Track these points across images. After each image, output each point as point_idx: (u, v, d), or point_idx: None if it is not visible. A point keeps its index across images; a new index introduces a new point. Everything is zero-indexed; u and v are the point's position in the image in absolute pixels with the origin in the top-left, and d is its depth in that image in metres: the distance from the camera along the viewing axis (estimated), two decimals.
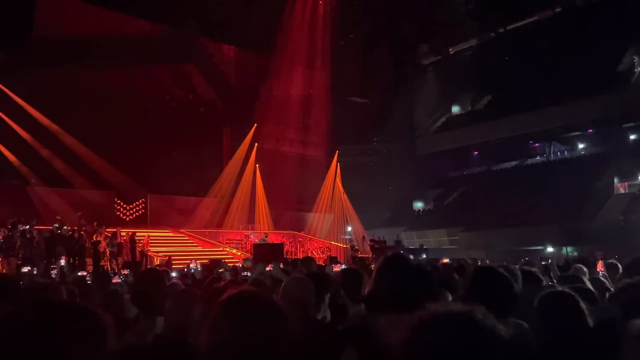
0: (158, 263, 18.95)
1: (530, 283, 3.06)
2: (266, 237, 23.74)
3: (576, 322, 2.26)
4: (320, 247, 25.87)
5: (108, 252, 17.80)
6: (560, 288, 2.66)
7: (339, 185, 31.11)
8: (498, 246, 24.84)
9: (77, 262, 16.85)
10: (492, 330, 1.12)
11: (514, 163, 33.35)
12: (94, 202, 21.65)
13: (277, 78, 27.09)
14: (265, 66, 26.20)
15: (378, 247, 24.54)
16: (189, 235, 23.96)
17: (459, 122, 31.96)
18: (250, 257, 19.17)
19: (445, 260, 14.63)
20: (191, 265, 11.35)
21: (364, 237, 28.13)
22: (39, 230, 17.38)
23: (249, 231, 26.07)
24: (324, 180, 31.31)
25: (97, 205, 21.53)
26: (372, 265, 15.52)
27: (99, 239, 17.64)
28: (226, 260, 17.92)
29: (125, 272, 12.93)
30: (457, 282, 3.92)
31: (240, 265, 15.11)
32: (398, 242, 27.59)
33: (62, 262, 15.27)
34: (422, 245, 27.05)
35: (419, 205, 34.93)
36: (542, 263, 8.09)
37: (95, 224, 18.80)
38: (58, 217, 18.58)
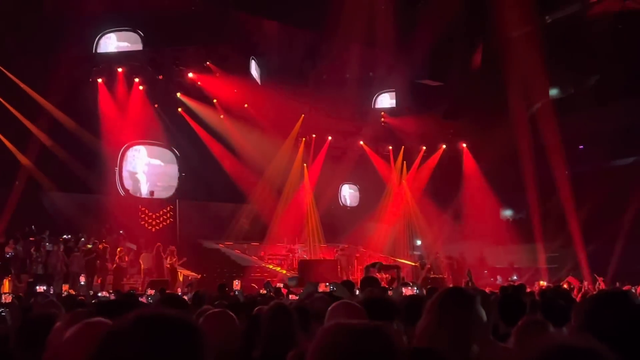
0: (190, 280, 19.54)
1: None
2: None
3: None
4: None
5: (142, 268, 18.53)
6: None
7: (405, 188, 30.92)
8: (616, 266, 23.92)
9: (97, 280, 17.65)
10: None
11: (631, 159, 31.97)
12: (115, 209, 22.56)
13: (328, 58, 27.26)
14: (314, 45, 26.45)
15: (456, 266, 24.23)
16: (225, 249, 24.55)
17: (558, 108, 31.00)
18: (297, 276, 19.44)
19: (542, 284, 14.31)
20: (234, 287, 11.65)
21: (437, 254, 27.79)
22: (61, 241, 18.30)
23: (296, 245, 26.40)
24: (387, 182, 31.21)
25: (119, 213, 22.40)
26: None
27: (122, 253, 18.39)
28: (271, 280, 18.28)
29: (152, 292, 13.42)
30: (565, 310, 3.87)
31: (282, 286, 15.37)
32: (481, 260, 27.09)
33: (82, 281, 16.02)
34: (511, 263, 26.47)
35: (507, 213, 34.14)
36: None
37: (121, 232, 19.65)
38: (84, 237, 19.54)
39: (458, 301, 2.50)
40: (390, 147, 31.81)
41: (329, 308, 3.28)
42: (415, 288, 8.27)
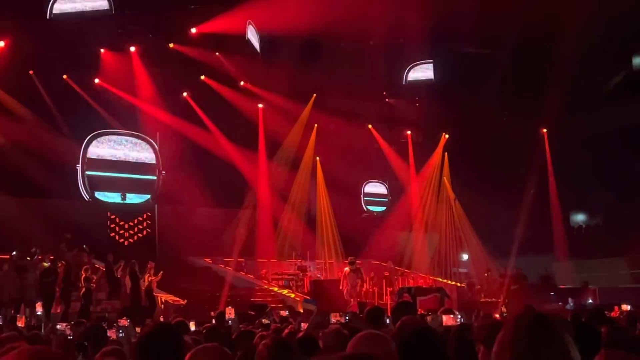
0: (172, 311, 19.71)
1: None
2: None
3: None
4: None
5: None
6: None
7: (447, 187, 30.92)
8: None
9: (56, 308, 17.85)
10: None
11: None
12: (78, 217, 22.77)
13: (347, 21, 27.27)
14: (329, 3, 26.50)
15: (514, 286, 24.16)
16: (217, 267, 24.69)
17: None
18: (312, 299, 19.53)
19: (625, 308, 14.28)
20: (227, 316, 11.80)
21: (489, 271, 27.77)
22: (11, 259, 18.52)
23: (307, 261, 26.51)
24: (423, 180, 31.21)
25: (82, 223, 22.61)
26: (502, 312, 15.09)
27: (88, 273, 18.56)
28: (274, 307, 18.41)
29: (125, 322, 13.61)
30: None
31: (287, 314, 15.49)
32: (546, 278, 27.01)
33: (39, 310, 16.22)
34: (585, 283, 26.39)
35: (579, 218, 34.02)
36: None
37: (85, 247, 19.80)
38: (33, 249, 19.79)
39: (545, 336, 2.34)
40: (427, 134, 31.85)
41: (352, 340, 3.38)
42: (460, 316, 8.31)
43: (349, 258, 24.14)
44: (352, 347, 3.32)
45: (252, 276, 25.04)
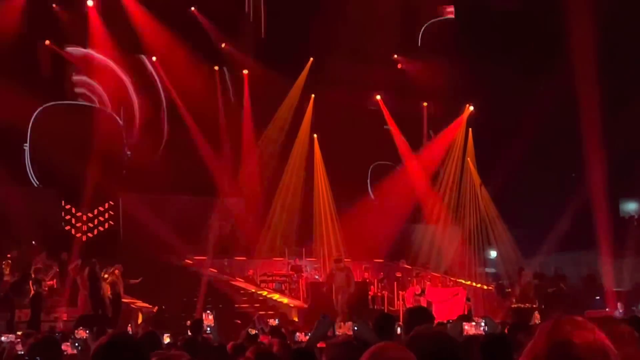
0: (140, 321, 19.80)
1: None
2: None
3: None
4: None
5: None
6: None
7: (471, 170, 30.89)
8: None
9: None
10: None
11: None
12: (25, 207, 22.74)
13: None
14: None
15: (552, 289, 24.23)
16: (194, 267, 24.72)
17: None
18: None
19: None
20: (206, 323, 11.82)
21: (522, 270, 27.82)
22: None
23: (303, 260, 26.55)
24: (442, 161, 31.16)
25: (31, 214, 22.62)
26: (536, 321, 15.18)
27: (39, 275, 18.57)
28: (263, 313, 18.49)
29: (83, 333, 13.68)
30: None
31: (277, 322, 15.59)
32: (590, 279, 27.08)
33: None
34: (637, 284, 26.49)
35: (631, 207, 34.08)
36: None
37: (34, 243, 19.77)
38: None
39: (584, 347, 2.29)
40: (447, 106, 31.80)
41: (365, 354, 3.39)
42: (484, 323, 8.33)
43: (335, 255, 24.14)
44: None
45: (237, 278, 25.05)
